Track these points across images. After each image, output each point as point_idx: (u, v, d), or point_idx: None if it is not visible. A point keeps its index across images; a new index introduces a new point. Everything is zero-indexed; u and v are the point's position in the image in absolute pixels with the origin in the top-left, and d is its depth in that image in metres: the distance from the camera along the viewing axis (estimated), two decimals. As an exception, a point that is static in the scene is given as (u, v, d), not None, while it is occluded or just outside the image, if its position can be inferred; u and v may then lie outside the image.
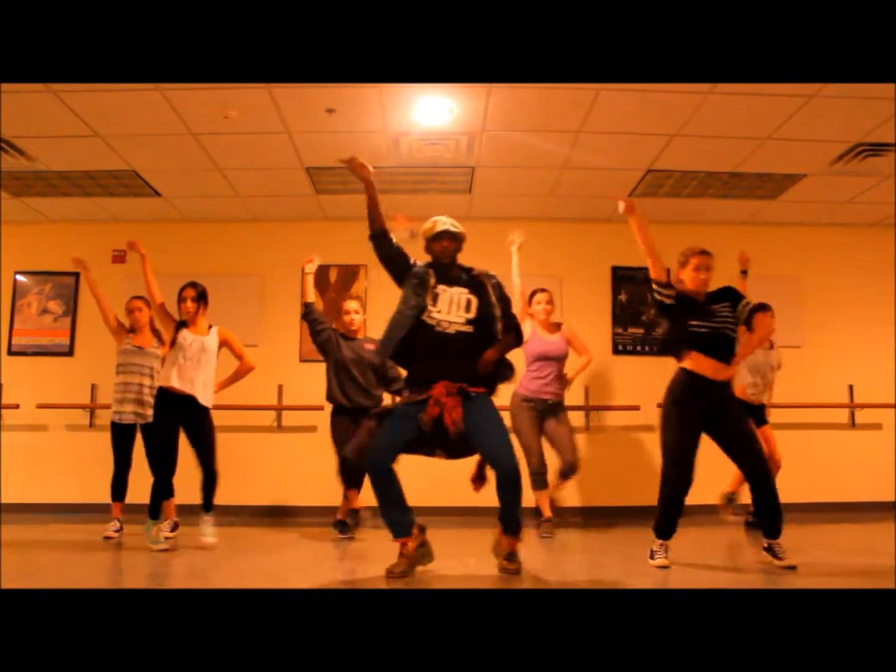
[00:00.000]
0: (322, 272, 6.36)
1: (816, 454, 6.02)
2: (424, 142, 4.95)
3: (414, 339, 3.14)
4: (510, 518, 3.18)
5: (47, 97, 4.14)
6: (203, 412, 4.16)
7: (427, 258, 3.34)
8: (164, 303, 4.34)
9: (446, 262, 3.27)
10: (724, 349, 3.42)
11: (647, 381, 6.16)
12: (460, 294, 3.20)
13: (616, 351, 6.30)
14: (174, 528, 4.53)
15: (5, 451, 5.95)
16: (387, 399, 4.88)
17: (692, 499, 5.84)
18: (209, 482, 4.17)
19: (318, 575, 3.38)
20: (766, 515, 3.41)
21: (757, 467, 3.33)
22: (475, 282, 3.24)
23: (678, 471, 3.33)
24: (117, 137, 4.78)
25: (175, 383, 4.07)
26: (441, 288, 3.20)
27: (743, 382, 4.86)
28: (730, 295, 3.51)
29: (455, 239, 3.28)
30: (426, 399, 3.06)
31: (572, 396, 5.24)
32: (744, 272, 4.44)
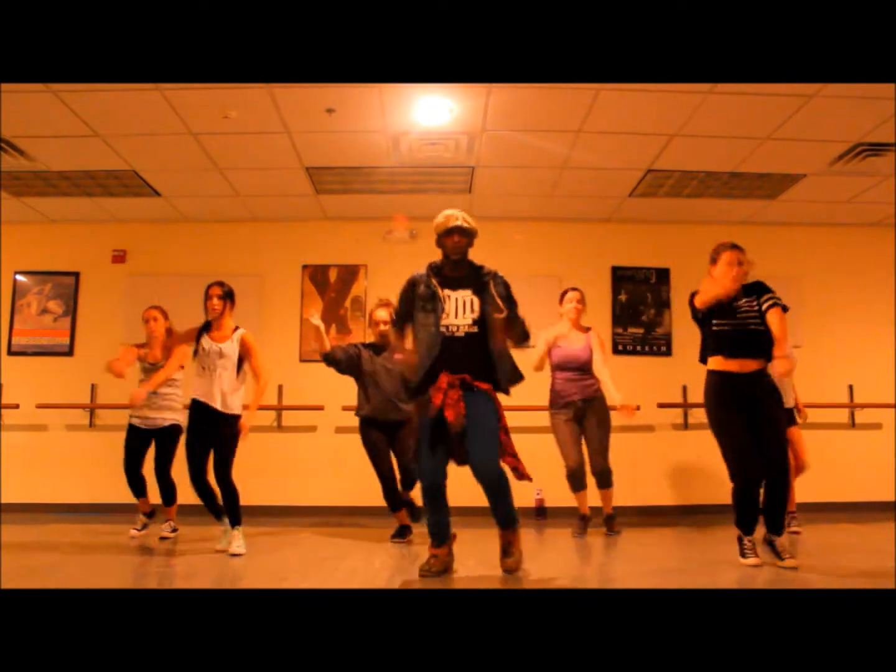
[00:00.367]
0: (322, 272, 6.37)
1: (816, 454, 6.00)
2: (424, 142, 4.95)
3: (423, 346, 3.19)
4: (499, 514, 3.24)
5: (47, 97, 4.14)
6: (223, 422, 3.95)
7: (435, 254, 3.33)
8: (170, 328, 4.52)
9: (457, 259, 3.25)
10: (748, 346, 3.34)
11: (647, 381, 6.17)
12: (465, 297, 3.21)
13: (616, 351, 6.30)
14: (173, 530, 4.56)
15: (5, 451, 5.95)
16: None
17: (693, 499, 5.82)
18: (226, 498, 3.94)
19: (318, 575, 3.38)
20: (772, 508, 3.36)
21: (774, 455, 3.26)
22: (480, 282, 3.24)
23: (743, 467, 3.28)
24: (117, 137, 4.78)
25: (198, 395, 3.99)
26: (446, 293, 3.21)
27: None
28: (757, 289, 3.42)
29: (466, 234, 3.27)
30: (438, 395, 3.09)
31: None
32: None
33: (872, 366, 6.23)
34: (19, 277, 6.36)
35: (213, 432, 3.95)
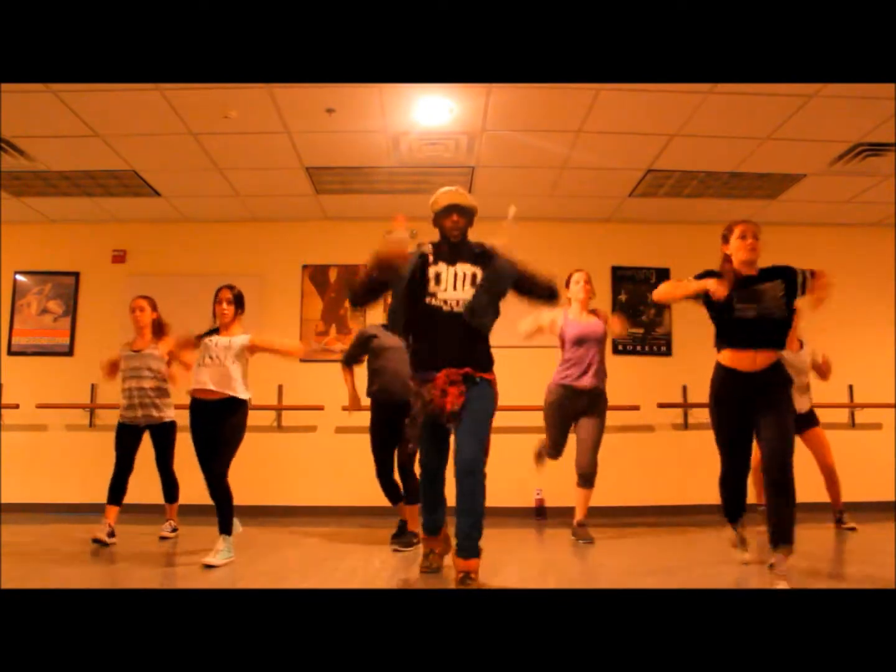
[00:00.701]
0: (322, 272, 6.37)
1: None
2: (424, 142, 4.95)
3: (421, 323, 3.02)
4: (464, 536, 2.88)
5: (47, 97, 4.14)
6: (232, 406, 3.78)
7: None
8: (158, 318, 4.48)
9: (456, 240, 3.08)
10: (768, 335, 3.13)
11: (647, 381, 6.17)
12: (464, 270, 3.03)
13: (616, 351, 6.30)
14: (173, 530, 4.55)
15: (5, 451, 5.95)
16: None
17: (693, 499, 5.81)
18: (213, 495, 3.71)
19: (318, 575, 3.38)
20: (772, 515, 3.03)
21: (773, 445, 3.01)
22: (485, 256, 3.06)
23: (728, 454, 3.28)
24: (117, 137, 4.78)
25: (202, 384, 3.81)
26: (442, 266, 3.03)
27: None
28: (783, 272, 3.22)
29: (465, 213, 3.08)
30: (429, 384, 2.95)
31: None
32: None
33: (872, 366, 6.23)
34: (19, 277, 6.36)
35: (220, 419, 3.74)
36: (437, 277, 3.01)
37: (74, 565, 3.60)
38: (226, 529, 3.69)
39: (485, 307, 3.01)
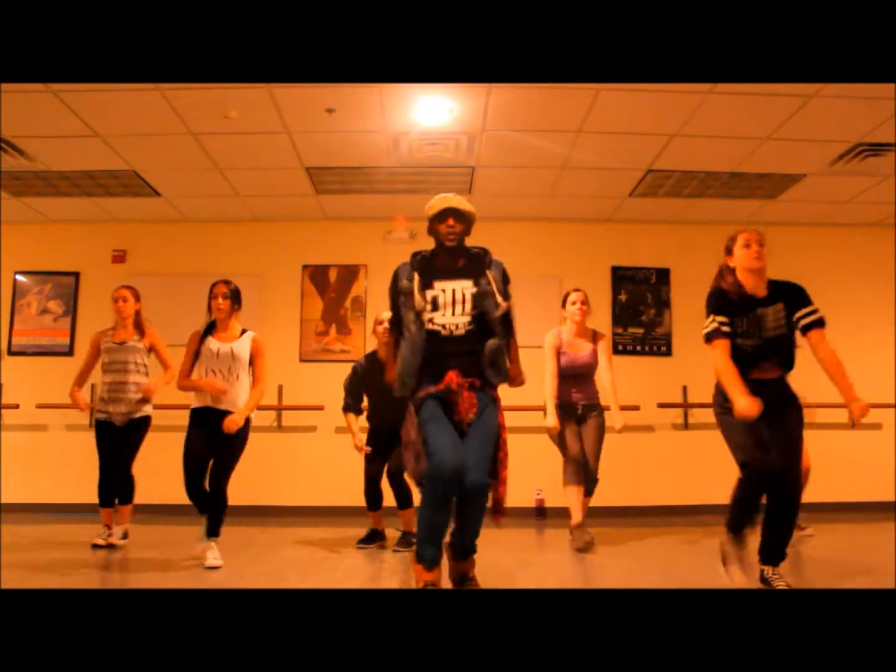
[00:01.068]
0: (322, 272, 6.37)
1: (816, 454, 6.01)
2: (424, 142, 4.95)
3: (421, 345, 2.83)
4: (467, 533, 2.81)
5: (47, 97, 4.14)
6: (239, 429, 3.71)
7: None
8: (140, 310, 4.35)
9: (452, 247, 2.87)
10: (772, 356, 2.96)
11: (647, 381, 6.18)
12: (463, 289, 2.85)
13: (616, 351, 6.29)
14: (124, 536, 4.28)
15: (5, 451, 5.95)
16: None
17: (693, 499, 5.81)
18: (215, 507, 3.70)
19: (318, 575, 3.38)
20: (772, 532, 2.88)
21: (787, 465, 2.84)
22: (477, 269, 2.89)
23: (757, 449, 2.83)
24: (117, 137, 4.78)
25: (202, 402, 3.74)
26: (440, 287, 2.85)
27: None
28: (788, 293, 3.00)
29: (462, 218, 2.88)
30: (444, 391, 2.76)
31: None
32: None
33: (872, 366, 6.22)
34: (19, 277, 6.36)
35: (226, 440, 3.67)
36: (434, 301, 2.83)
37: (74, 565, 3.61)
38: (217, 533, 3.71)
39: (493, 327, 2.87)
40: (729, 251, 3.07)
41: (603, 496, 5.97)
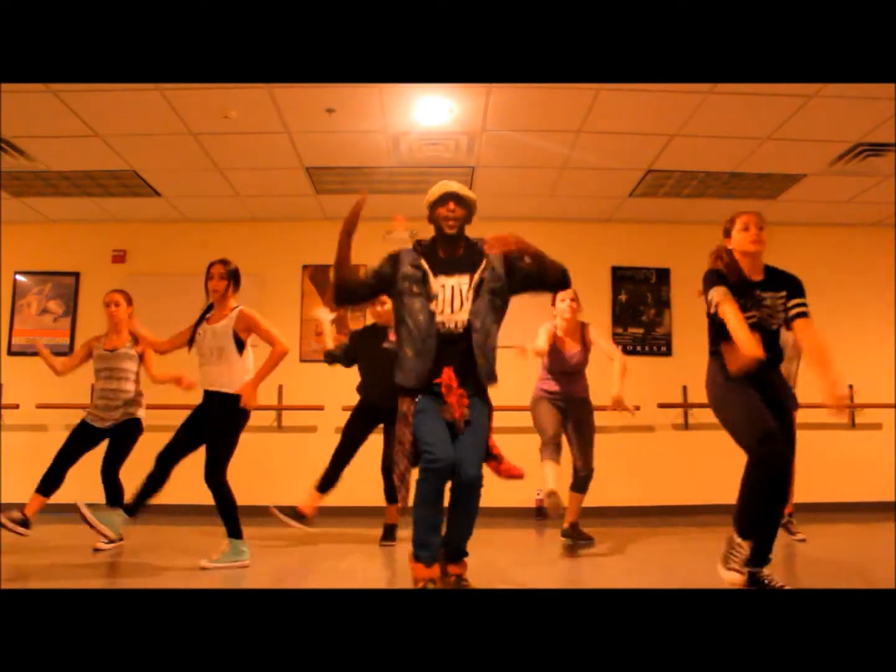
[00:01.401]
0: (322, 272, 6.37)
1: (816, 454, 6.01)
2: (424, 142, 4.95)
3: (418, 339, 2.80)
4: (457, 544, 2.78)
5: (47, 97, 4.14)
6: (226, 407, 3.57)
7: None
8: (132, 313, 4.29)
9: (452, 234, 2.83)
10: (770, 346, 2.86)
11: (647, 381, 6.17)
12: (461, 283, 2.81)
13: (616, 351, 6.30)
14: (111, 541, 4.02)
15: (5, 451, 5.95)
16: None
17: (693, 499, 5.79)
18: (222, 504, 3.54)
19: (318, 575, 3.38)
20: (763, 529, 2.76)
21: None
22: (476, 259, 2.86)
23: (764, 430, 2.68)
24: (117, 137, 4.78)
25: (204, 385, 3.67)
26: (440, 283, 2.81)
27: None
28: (785, 282, 2.94)
29: (462, 203, 2.84)
30: (438, 391, 2.74)
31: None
32: None
33: (872, 366, 6.23)
34: (19, 277, 6.36)
35: (212, 420, 3.57)
36: (436, 297, 2.81)
37: (74, 565, 3.60)
38: (238, 532, 3.56)
39: (488, 327, 2.84)
40: (727, 233, 3.04)
41: (603, 496, 5.98)
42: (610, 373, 4.23)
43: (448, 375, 2.73)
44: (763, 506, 2.74)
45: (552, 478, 4.05)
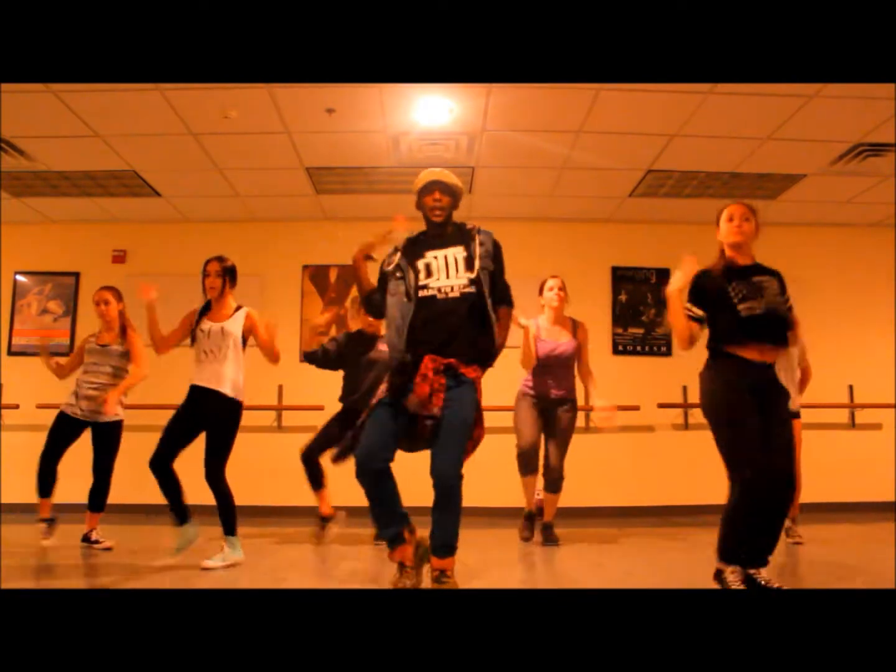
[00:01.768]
0: (322, 272, 6.37)
1: (816, 454, 6.01)
2: (424, 142, 4.95)
3: (417, 318, 2.78)
4: (441, 531, 2.74)
5: (47, 97, 4.14)
6: (228, 408, 3.60)
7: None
8: (123, 311, 4.31)
9: (439, 221, 2.88)
10: (775, 331, 2.81)
11: (647, 381, 6.18)
12: (456, 253, 2.82)
13: (616, 351, 6.30)
14: (95, 541, 4.15)
15: (5, 451, 5.95)
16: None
17: (693, 499, 5.80)
18: (221, 501, 3.55)
19: (318, 575, 3.38)
20: (763, 531, 2.72)
21: (781, 466, 2.69)
22: (466, 237, 2.89)
23: (751, 463, 2.65)
24: (117, 137, 4.78)
25: (200, 381, 3.61)
26: (432, 256, 2.83)
27: None
28: (774, 272, 2.94)
29: (448, 191, 2.89)
30: (411, 376, 2.70)
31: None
32: None
33: (872, 366, 6.23)
34: (19, 277, 6.36)
35: (213, 420, 3.56)
36: (428, 268, 2.82)
37: (74, 565, 3.60)
38: (233, 530, 3.57)
39: (488, 297, 2.82)
40: (717, 224, 3.06)
41: (603, 496, 6.00)
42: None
43: (426, 365, 2.69)
44: (748, 529, 2.73)
45: (530, 499, 4.38)
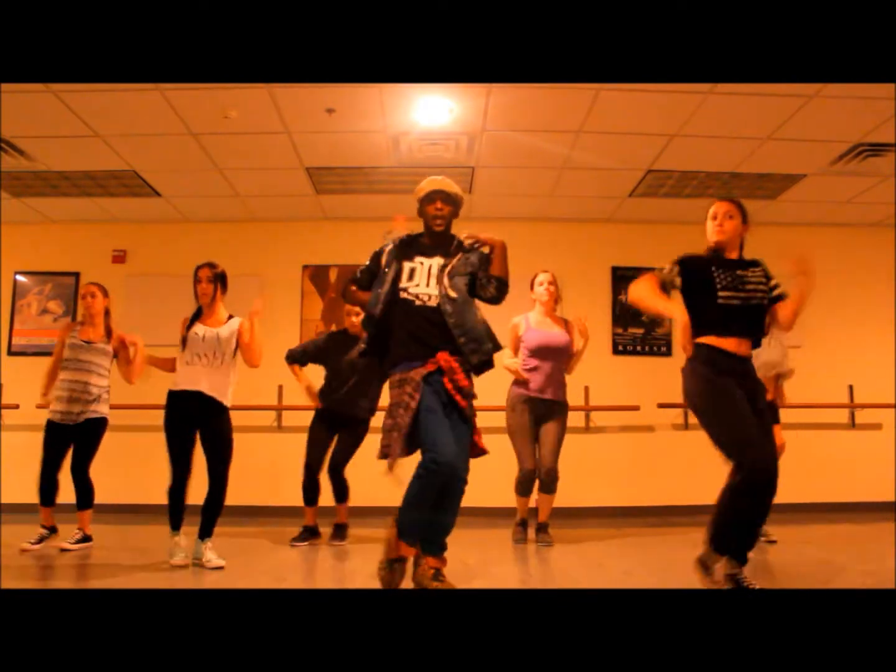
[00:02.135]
0: (322, 272, 6.37)
1: (816, 454, 6.02)
2: (424, 142, 4.95)
3: (395, 320, 2.85)
4: (439, 528, 2.77)
5: (47, 97, 4.14)
6: (223, 415, 3.68)
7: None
8: (108, 307, 4.28)
9: (439, 230, 2.95)
10: (751, 324, 2.86)
11: (647, 381, 6.17)
12: (440, 263, 2.90)
13: (616, 351, 6.30)
14: (80, 540, 4.13)
15: (5, 451, 5.95)
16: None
17: (693, 499, 5.80)
18: (215, 503, 3.62)
19: (318, 575, 3.37)
20: (745, 527, 2.74)
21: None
22: (456, 248, 2.95)
23: (752, 445, 2.64)
24: (117, 137, 4.78)
25: (185, 385, 3.63)
26: (419, 260, 2.91)
27: None
28: (760, 264, 2.98)
29: (450, 200, 2.96)
30: (432, 371, 2.73)
31: (572, 397, 5.21)
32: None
33: (872, 366, 6.23)
34: (19, 277, 6.36)
35: (211, 427, 3.61)
36: (412, 273, 2.89)
37: (73, 565, 3.60)
38: (210, 533, 3.64)
39: (461, 302, 2.84)
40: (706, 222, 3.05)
41: (603, 496, 6.00)
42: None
43: (443, 358, 2.75)
44: (743, 518, 2.72)
45: (521, 511, 4.42)
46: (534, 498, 4.43)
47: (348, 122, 4.62)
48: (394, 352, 2.87)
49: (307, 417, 6.05)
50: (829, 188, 5.61)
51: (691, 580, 3.12)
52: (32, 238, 6.38)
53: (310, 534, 4.43)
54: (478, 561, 3.62)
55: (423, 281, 2.86)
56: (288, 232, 6.39)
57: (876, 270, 6.38)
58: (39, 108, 4.27)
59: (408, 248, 2.97)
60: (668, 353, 6.34)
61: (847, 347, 6.28)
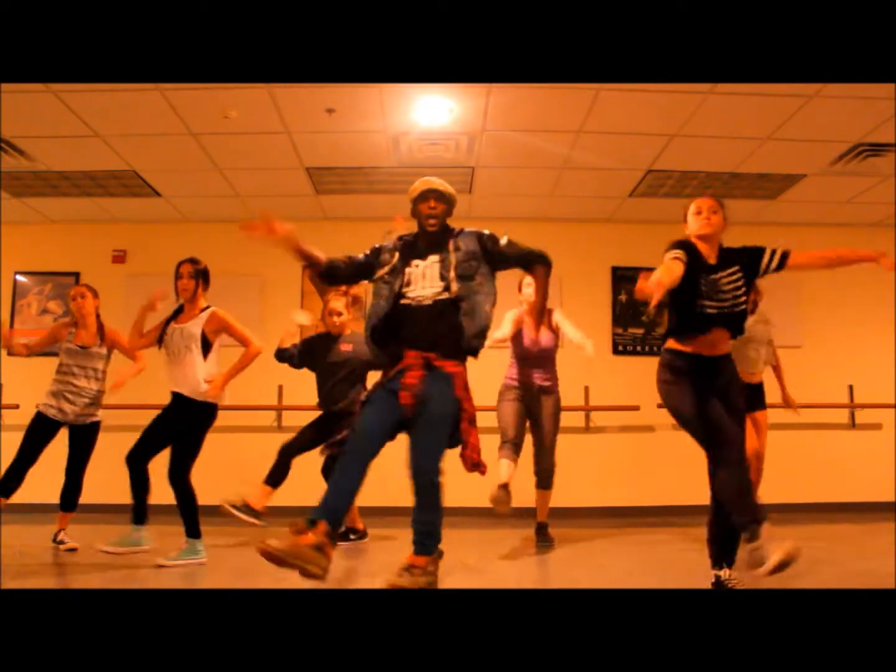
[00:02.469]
0: (322, 272, 6.37)
1: (816, 454, 6.03)
2: (424, 142, 4.95)
3: (396, 325, 2.87)
4: (418, 528, 2.76)
5: (47, 97, 4.14)
6: (190, 409, 3.60)
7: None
8: (98, 308, 4.26)
9: (434, 230, 2.94)
10: (729, 327, 2.85)
11: (647, 381, 6.12)
12: (433, 263, 2.89)
13: (616, 351, 6.30)
14: (62, 542, 4.13)
15: (5, 451, 5.92)
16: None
17: (693, 499, 5.80)
18: (183, 503, 3.58)
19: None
20: (736, 493, 2.65)
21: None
22: (445, 245, 2.94)
23: (723, 432, 2.68)
24: (117, 137, 4.78)
25: (171, 385, 3.66)
26: (414, 264, 2.91)
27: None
28: (741, 258, 2.90)
29: (443, 199, 2.96)
30: (400, 372, 2.77)
31: (572, 397, 5.22)
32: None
33: (872, 366, 6.23)
34: (19, 277, 6.36)
35: (178, 422, 3.58)
36: (409, 278, 2.90)
37: (74, 565, 3.60)
38: (197, 532, 3.60)
39: (467, 289, 2.86)
40: (685, 219, 3.10)
41: (603, 496, 5.99)
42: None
43: (408, 357, 2.79)
44: (734, 489, 2.67)
45: (505, 472, 4.08)
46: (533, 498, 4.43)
47: (348, 122, 4.61)
48: (392, 352, 2.89)
49: (307, 417, 6.07)
50: (829, 188, 5.61)
51: (691, 580, 3.12)
52: (32, 238, 6.37)
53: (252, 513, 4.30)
54: (477, 561, 3.62)
55: (419, 284, 2.88)
56: (288, 232, 6.39)
57: (876, 270, 6.33)
58: (39, 108, 4.27)
59: (409, 252, 2.96)
60: (668, 353, 6.33)
61: (847, 347, 6.28)
